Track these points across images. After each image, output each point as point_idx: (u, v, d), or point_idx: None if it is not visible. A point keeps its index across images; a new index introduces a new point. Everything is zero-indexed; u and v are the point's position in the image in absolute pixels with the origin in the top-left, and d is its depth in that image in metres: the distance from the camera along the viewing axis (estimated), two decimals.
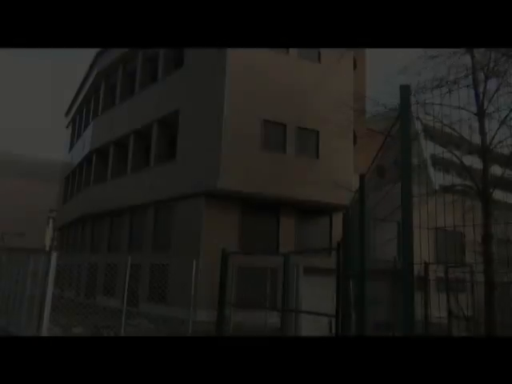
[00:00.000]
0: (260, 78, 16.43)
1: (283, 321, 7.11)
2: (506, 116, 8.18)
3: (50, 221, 43.02)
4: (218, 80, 16.16)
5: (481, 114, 8.06)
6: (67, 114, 37.26)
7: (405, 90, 2.33)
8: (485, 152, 8.00)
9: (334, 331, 13.62)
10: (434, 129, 10.99)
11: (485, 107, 8.12)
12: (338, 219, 17.64)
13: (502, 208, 10.44)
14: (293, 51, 17.43)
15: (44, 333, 7.70)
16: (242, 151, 15.79)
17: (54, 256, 8.20)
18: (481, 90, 8.05)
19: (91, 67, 27.92)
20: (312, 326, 12.77)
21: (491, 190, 7.94)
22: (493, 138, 8.10)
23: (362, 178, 4.03)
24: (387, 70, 38.80)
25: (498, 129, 8.15)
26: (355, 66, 19.46)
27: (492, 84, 8.14)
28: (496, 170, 9.06)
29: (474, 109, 8.18)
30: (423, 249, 3.97)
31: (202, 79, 17.33)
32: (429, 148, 13.08)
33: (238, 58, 16.04)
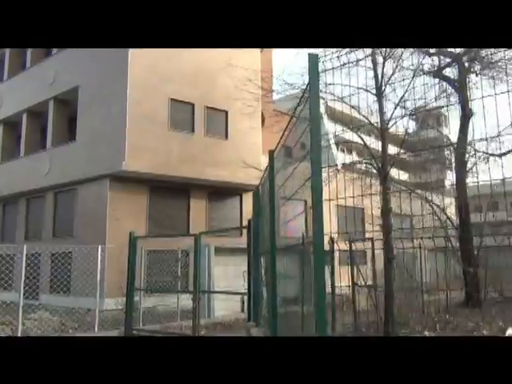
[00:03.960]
0: (165, 55, 15.79)
1: (195, 302, 7.02)
2: (401, 97, 8.74)
3: None
4: (121, 55, 15.24)
5: (379, 95, 8.49)
6: None
7: (313, 58, 2.29)
8: (383, 131, 8.48)
9: (245, 309, 13.89)
10: (336, 110, 11.46)
11: (383, 89, 8.56)
12: (247, 199, 17.86)
13: (396, 184, 11.26)
14: None
15: None
16: (148, 131, 15.16)
17: None
18: (379, 71, 8.47)
19: None
20: (224, 305, 12.90)
21: (388, 167, 8.45)
22: (390, 117, 8.61)
23: (271, 154, 3.98)
24: (292, 50, 39.69)
25: (395, 109, 8.69)
26: None
27: (389, 67, 8.60)
28: (392, 149, 9.68)
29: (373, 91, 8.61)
30: (328, 223, 4.11)
31: (104, 53, 16.20)
32: (331, 128, 13.68)
33: None
